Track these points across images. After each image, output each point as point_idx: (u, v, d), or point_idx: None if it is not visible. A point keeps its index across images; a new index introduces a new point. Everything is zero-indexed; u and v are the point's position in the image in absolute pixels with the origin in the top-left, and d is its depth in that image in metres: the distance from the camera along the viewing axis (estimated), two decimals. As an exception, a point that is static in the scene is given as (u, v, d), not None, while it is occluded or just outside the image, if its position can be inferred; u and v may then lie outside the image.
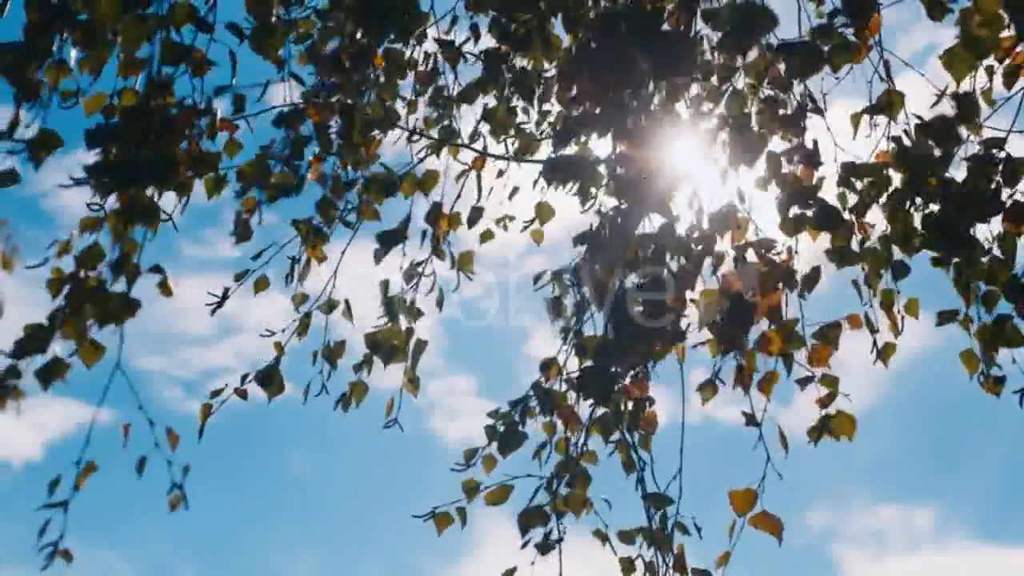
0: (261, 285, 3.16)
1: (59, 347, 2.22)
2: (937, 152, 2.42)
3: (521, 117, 3.36)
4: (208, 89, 2.36)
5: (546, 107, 3.30)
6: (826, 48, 2.44)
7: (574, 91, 2.47)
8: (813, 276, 2.76)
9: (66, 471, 2.25)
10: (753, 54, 2.67)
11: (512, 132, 3.37)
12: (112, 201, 2.27)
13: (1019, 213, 2.39)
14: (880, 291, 2.86)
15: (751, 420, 2.73)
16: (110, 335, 2.24)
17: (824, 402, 2.76)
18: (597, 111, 2.51)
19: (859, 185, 2.73)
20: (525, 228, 3.40)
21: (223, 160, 2.93)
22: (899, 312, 2.85)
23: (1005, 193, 2.41)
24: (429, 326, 3.32)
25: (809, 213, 2.67)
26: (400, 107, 3.27)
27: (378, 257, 3.07)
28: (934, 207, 2.52)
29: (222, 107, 2.47)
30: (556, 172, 2.63)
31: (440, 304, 3.25)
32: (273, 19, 2.38)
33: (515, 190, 3.37)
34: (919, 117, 2.52)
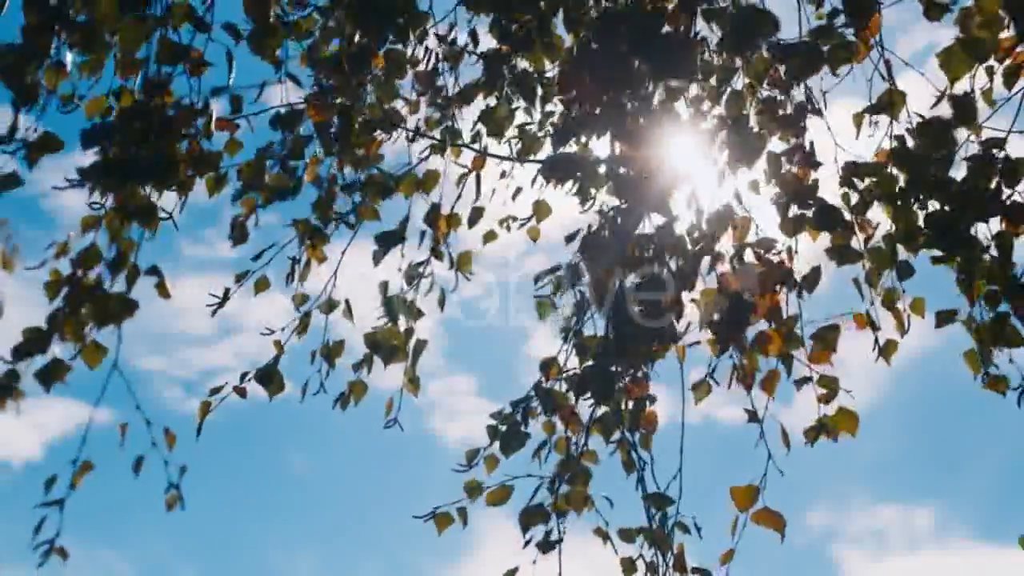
0: (261, 286, 3.17)
1: (59, 349, 2.22)
2: (937, 152, 2.42)
3: (524, 118, 3.36)
4: (206, 89, 2.37)
5: (548, 107, 3.29)
6: (825, 48, 2.44)
7: (574, 92, 2.47)
8: (813, 276, 2.75)
9: (63, 471, 2.26)
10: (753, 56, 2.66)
11: (514, 133, 3.36)
12: (111, 201, 2.27)
13: (1018, 213, 2.39)
14: (882, 289, 2.86)
15: (753, 417, 2.74)
16: (108, 335, 2.25)
17: (825, 399, 2.76)
18: (597, 111, 2.51)
19: (860, 185, 2.72)
20: (522, 225, 3.40)
21: (224, 159, 2.94)
22: (905, 311, 2.85)
23: (1005, 193, 2.41)
24: (429, 326, 3.33)
25: (809, 213, 2.68)
26: (401, 107, 3.27)
27: (377, 258, 3.07)
28: (937, 205, 2.51)
29: (219, 107, 2.47)
30: (555, 170, 2.63)
31: (442, 304, 3.25)
32: (272, 19, 2.38)
33: (518, 190, 3.37)
34: (921, 116, 2.51)
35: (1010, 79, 2.44)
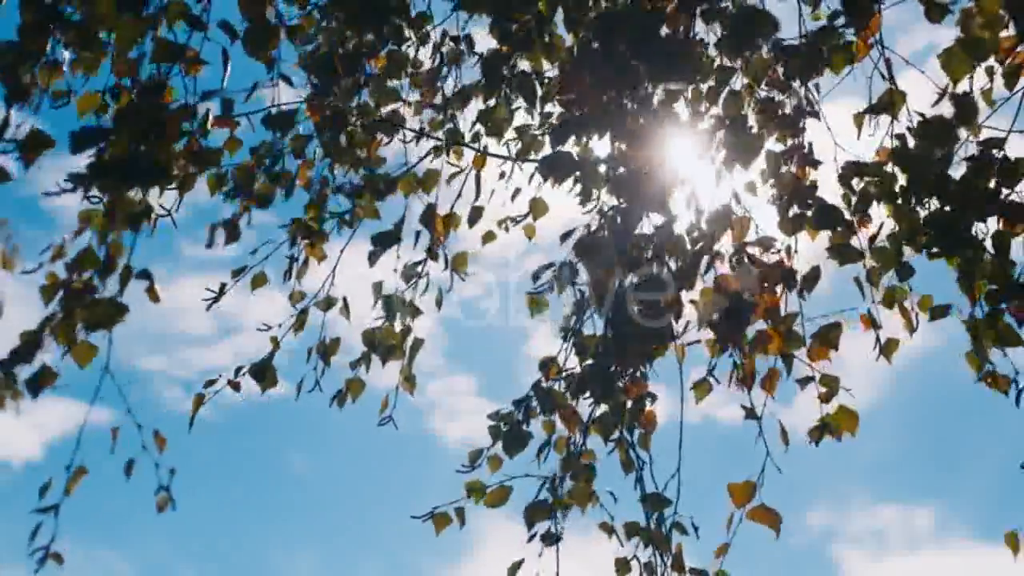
0: (259, 281, 3.17)
1: (48, 356, 2.23)
2: (937, 152, 2.42)
3: (523, 119, 3.35)
4: (201, 88, 2.36)
5: (548, 108, 3.29)
6: (825, 49, 2.44)
7: (573, 94, 2.47)
8: (813, 275, 2.75)
9: (59, 476, 2.26)
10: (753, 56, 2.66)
11: (514, 134, 3.36)
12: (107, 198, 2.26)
13: (1016, 212, 2.38)
14: (883, 288, 2.85)
15: (751, 414, 2.73)
16: (100, 337, 2.25)
17: (825, 397, 2.76)
18: (597, 111, 2.51)
19: (860, 184, 2.72)
20: (518, 223, 3.39)
21: (225, 157, 2.94)
22: (913, 309, 2.85)
23: (1003, 193, 2.40)
24: (429, 326, 3.33)
25: (808, 213, 2.67)
26: (400, 108, 3.27)
27: (372, 259, 3.07)
28: (936, 205, 2.51)
29: (214, 107, 2.46)
30: (553, 169, 2.62)
31: (439, 303, 3.25)
32: (271, 19, 2.37)
33: (517, 191, 3.36)
34: (921, 115, 2.51)
35: (1010, 79, 2.44)
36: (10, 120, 2.04)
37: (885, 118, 2.71)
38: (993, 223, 2.45)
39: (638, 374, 2.81)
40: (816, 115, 2.73)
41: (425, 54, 3.29)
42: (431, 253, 3.20)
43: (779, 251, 2.70)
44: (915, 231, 2.60)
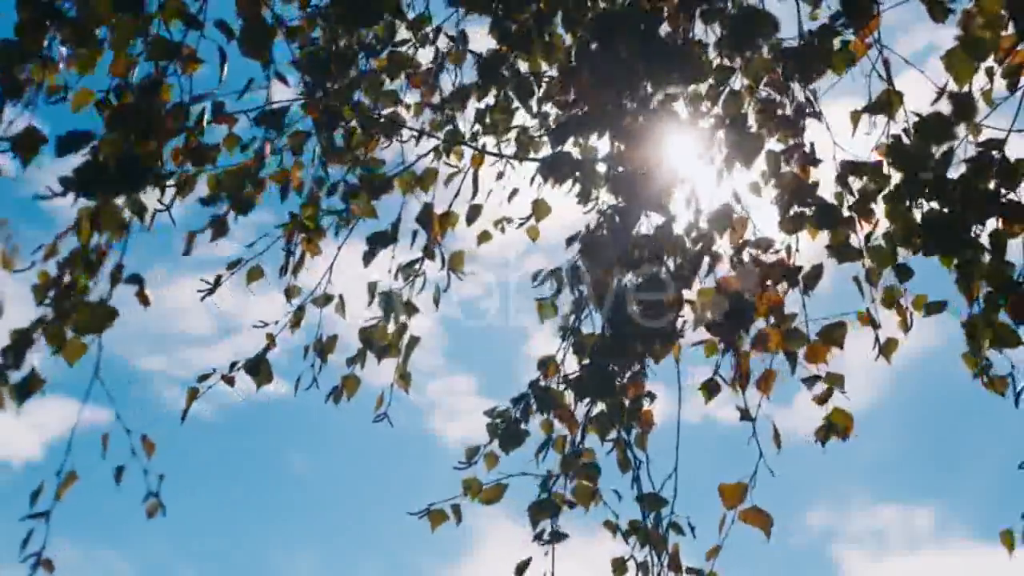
0: (254, 275, 3.15)
1: (36, 359, 2.22)
2: (935, 150, 2.41)
3: (524, 118, 3.35)
4: (197, 87, 2.36)
5: (545, 108, 3.28)
6: (825, 51, 2.43)
7: (572, 94, 2.47)
8: (814, 273, 2.75)
9: (51, 481, 2.25)
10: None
11: (511, 134, 3.36)
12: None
13: (1015, 212, 2.37)
14: (882, 288, 2.85)
15: (745, 415, 2.73)
16: (91, 340, 2.24)
17: (820, 399, 2.76)
18: (596, 111, 2.50)
19: (857, 184, 2.72)
20: (521, 225, 3.39)
21: (224, 155, 2.93)
22: (908, 308, 2.84)
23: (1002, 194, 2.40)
24: (428, 325, 3.33)
25: (808, 212, 2.67)
26: (401, 108, 3.26)
27: (367, 259, 3.06)
28: (934, 205, 2.50)
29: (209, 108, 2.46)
30: (553, 170, 2.62)
31: (437, 301, 3.24)
32: (269, 18, 2.37)
33: (514, 191, 3.36)
34: (918, 115, 2.50)
35: (1010, 79, 2.43)
36: (2, 117, 2.04)
37: (884, 118, 2.70)
38: (992, 223, 2.44)
39: (636, 372, 2.80)
40: (817, 116, 2.73)
41: (425, 56, 3.29)
42: (428, 252, 3.20)
43: (779, 251, 2.70)
44: (910, 232, 2.59)
